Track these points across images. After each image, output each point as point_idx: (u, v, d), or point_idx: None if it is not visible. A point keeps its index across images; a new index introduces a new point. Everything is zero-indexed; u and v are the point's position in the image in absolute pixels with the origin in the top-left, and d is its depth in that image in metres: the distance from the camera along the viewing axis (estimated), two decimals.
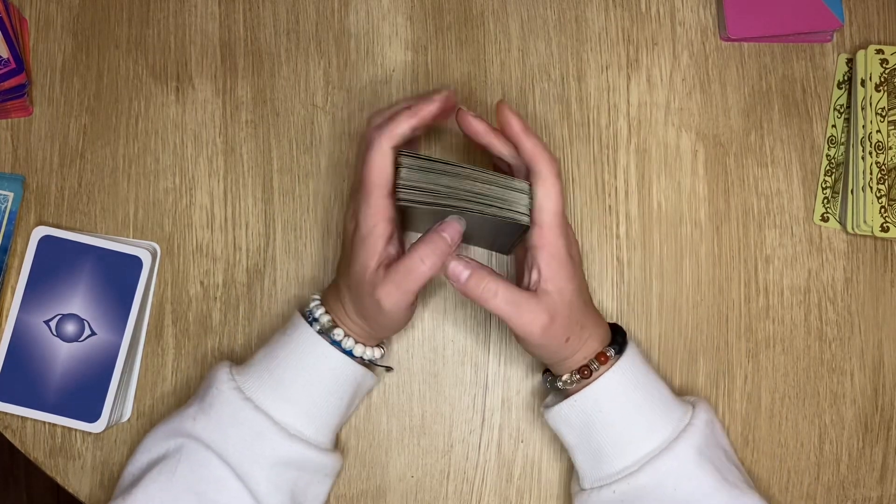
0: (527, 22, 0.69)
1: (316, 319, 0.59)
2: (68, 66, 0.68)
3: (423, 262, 0.54)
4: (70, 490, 0.66)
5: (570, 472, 0.66)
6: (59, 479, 0.66)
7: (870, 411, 0.67)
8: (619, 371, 0.58)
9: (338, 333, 0.58)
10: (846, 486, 0.67)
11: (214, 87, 0.68)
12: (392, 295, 0.55)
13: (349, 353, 0.59)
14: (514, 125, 0.56)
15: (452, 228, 0.56)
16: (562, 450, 0.66)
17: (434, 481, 0.66)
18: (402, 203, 0.54)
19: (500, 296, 0.55)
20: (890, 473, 0.67)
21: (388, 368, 0.65)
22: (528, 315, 0.55)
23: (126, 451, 0.66)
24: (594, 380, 0.58)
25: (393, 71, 0.69)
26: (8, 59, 0.63)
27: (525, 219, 0.56)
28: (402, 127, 0.55)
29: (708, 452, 0.57)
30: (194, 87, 0.68)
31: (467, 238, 0.60)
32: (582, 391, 0.58)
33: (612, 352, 0.58)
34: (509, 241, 0.61)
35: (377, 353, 0.60)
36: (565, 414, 0.59)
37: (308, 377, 0.58)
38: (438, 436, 0.66)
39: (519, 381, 0.67)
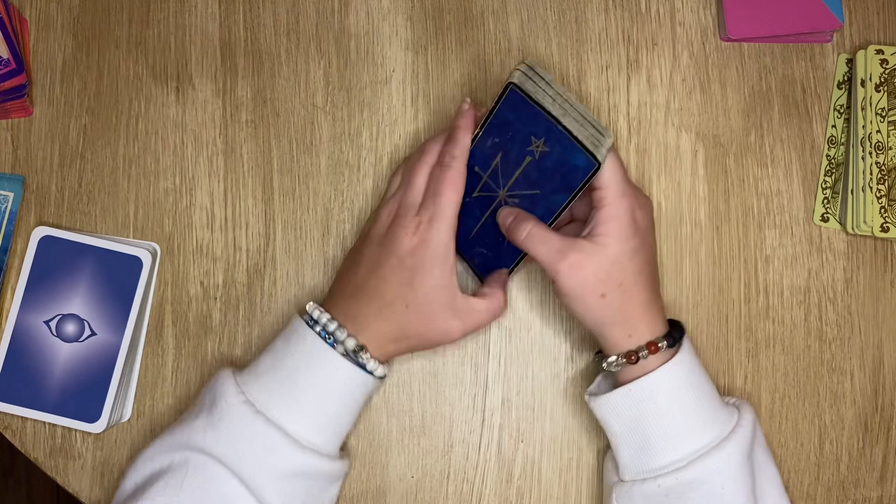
0: (527, 22, 0.69)
1: (317, 322, 0.58)
2: (68, 67, 0.68)
3: (501, 303, 0.60)
4: (70, 490, 0.66)
5: (571, 471, 0.66)
6: (59, 480, 0.66)
7: (870, 411, 0.67)
8: (676, 364, 0.57)
9: (348, 341, 0.58)
10: (846, 486, 0.67)
11: (214, 88, 0.69)
12: (470, 326, 0.59)
13: (363, 367, 0.58)
14: None
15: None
16: (562, 450, 0.66)
17: (434, 481, 0.66)
18: (514, 84, 0.57)
19: (531, 233, 0.57)
20: (890, 473, 0.67)
21: (383, 376, 0.63)
22: (557, 252, 0.57)
23: (126, 451, 0.66)
24: (649, 372, 0.57)
25: (393, 71, 0.69)
26: (8, 59, 0.63)
27: (601, 156, 0.56)
28: (467, 141, 0.60)
29: (752, 456, 0.58)
30: (194, 87, 0.68)
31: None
32: (637, 381, 0.57)
33: (664, 343, 0.58)
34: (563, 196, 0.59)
35: (385, 370, 0.60)
36: (616, 402, 0.58)
37: (320, 388, 0.57)
38: (438, 436, 0.67)
39: (519, 381, 0.67)
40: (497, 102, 0.58)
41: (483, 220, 0.62)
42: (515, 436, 0.67)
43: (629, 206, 0.57)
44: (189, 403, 0.62)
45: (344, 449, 0.62)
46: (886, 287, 0.68)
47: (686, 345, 0.59)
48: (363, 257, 0.60)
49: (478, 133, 0.60)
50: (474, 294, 0.60)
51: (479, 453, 0.66)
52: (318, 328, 0.58)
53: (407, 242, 0.58)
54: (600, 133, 0.56)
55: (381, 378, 0.60)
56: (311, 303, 0.60)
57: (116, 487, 0.65)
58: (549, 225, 0.59)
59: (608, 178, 0.57)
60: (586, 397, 0.61)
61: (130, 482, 0.58)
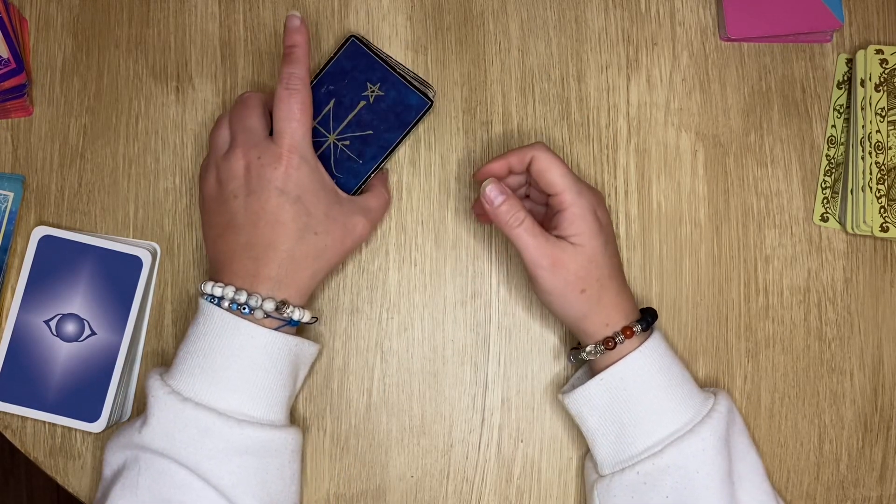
0: (527, 22, 0.69)
1: (222, 298, 0.57)
2: (68, 66, 0.68)
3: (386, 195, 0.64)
4: (70, 490, 0.66)
5: (571, 471, 0.66)
6: (59, 479, 0.66)
7: (869, 411, 0.67)
8: (645, 351, 0.58)
9: (265, 304, 0.57)
10: (846, 485, 0.67)
11: (214, 87, 0.69)
12: (374, 219, 0.62)
13: (286, 321, 0.58)
14: (494, 168, 0.62)
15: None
16: (562, 449, 0.66)
17: (434, 481, 0.66)
18: (354, 37, 0.64)
19: (524, 225, 0.58)
20: (890, 473, 0.67)
21: (314, 319, 0.61)
22: (545, 249, 0.58)
23: None
24: (620, 358, 0.58)
25: None
26: (8, 59, 0.63)
27: (431, 96, 0.64)
28: (307, 58, 0.61)
29: (729, 439, 0.58)
30: (194, 87, 0.68)
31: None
32: (608, 369, 0.58)
33: (638, 327, 0.59)
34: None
35: (306, 315, 0.59)
36: (590, 394, 0.59)
37: (241, 361, 0.57)
38: (438, 436, 0.67)
39: (519, 381, 0.67)
40: (336, 53, 0.63)
41: None
42: (515, 436, 0.67)
43: (589, 204, 0.59)
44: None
45: (297, 423, 0.61)
46: (886, 287, 0.68)
47: (657, 333, 0.60)
48: (235, 213, 0.58)
49: (312, 81, 0.62)
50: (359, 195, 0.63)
51: (479, 453, 0.66)
52: (225, 303, 0.57)
53: (281, 175, 0.57)
54: (426, 84, 0.65)
55: (309, 323, 0.59)
56: (205, 282, 0.58)
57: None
58: (381, 162, 0.63)
59: (560, 182, 0.59)
60: (560, 397, 0.62)
61: (100, 489, 0.58)
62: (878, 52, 0.67)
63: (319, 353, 0.65)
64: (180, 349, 0.59)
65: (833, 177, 0.69)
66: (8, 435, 0.66)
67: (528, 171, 0.61)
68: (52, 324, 0.64)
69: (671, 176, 0.68)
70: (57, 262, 0.64)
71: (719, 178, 0.69)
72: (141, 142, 0.68)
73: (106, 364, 0.64)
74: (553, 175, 0.59)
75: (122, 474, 0.56)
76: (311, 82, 0.61)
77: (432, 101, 0.63)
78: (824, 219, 0.68)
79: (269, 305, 0.57)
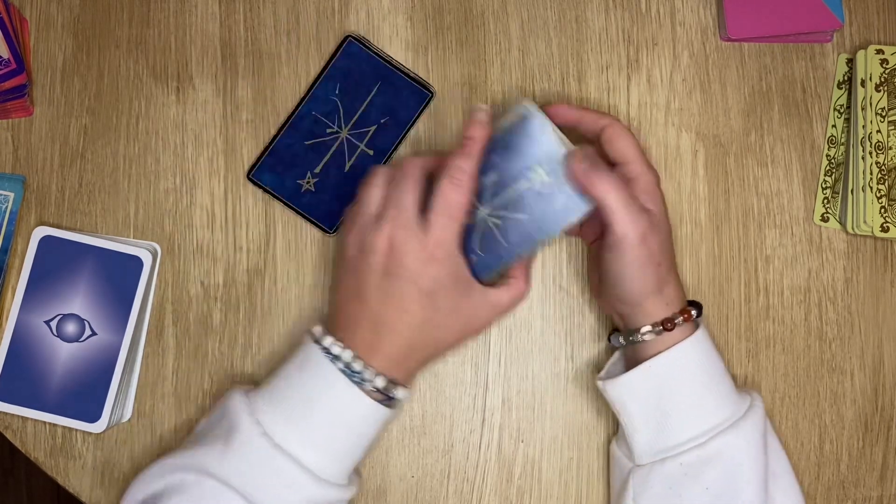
0: (527, 22, 0.69)
1: (338, 358, 0.57)
2: (69, 67, 0.68)
3: (523, 288, 0.60)
4: (70, 490, 0.66)
5: (571, 471, 0.66)
6: (59, 479, 0.66)
7: (870, 411, 0.67)
8: (695, 342, 0.58)
9: (377, 380, 0.56)
10: (846, 485, 0.67)
11: (215, 87, 0.69)
12: (495, 316, 0.59)
13: (392, 399, 0.58)
14: (567, 111, 0.61)
15: None
16: (562, 449, 0.66)
17: (434, 481, 0.66)
18: (351, 36, 0.67)
19: (616, 188, 0.56)
20: (890, 473, 0.67)
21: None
22: (637, 218, 0.56)
23: (127, 451, 0.66)
24: (665, 348, 0.58)
25: None
26: (8, 59, 0.63)
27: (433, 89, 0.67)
28: (479, 157, 0.58)
29: (767, 439, 0.59)
30: (195, 87, 0.68)
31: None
32: (658, 356, 0.58)
33: (694, 313, 0.59)
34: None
35: (406, 394, 0.59)
36: (635, 381, 0.58)
37: (339, 421, 0.56)
38: (438, 436, 0.67)
39: (519, 381, 0.67)
40: (333, 54, 0.66)
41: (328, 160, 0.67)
42: (515, 436, 0.67)
43: (657, 178, 0.59)
44: (196, 423, 0.61)
45: (355, 472, 0.61)
46: (886, 287, 0.68)
47: (703, 327, 0.60)
48: (368, 287, 0.57)
49: (315, 83, 0.67)
50: (492, 285, 0.59)
51: (480, 453, 0.66)
52: (340, 364, 0.56)
53: (420, 268, 0.56)
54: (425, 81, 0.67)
55: (402, 401, 0.59)
56: (324, 333, 0.58)
57: (117, 490, 0.65)
58: (392, 152, 0.66)
59: (633, 151, 0.59)
60: (598, 383, 0.61)
61: (139, 494, 0.56)
62: (879, 52, 0.67)
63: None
64: (278, 385, 0.58)
65: (833, 177, 0.69)
66: (8, 435, 0.66)
67: (599, 139, 0.59)
68: (53, 324, 0.64)
69: (672, 176, 0.68)
70: (57, 262, 0.64)
71: (720, 178, 0.69)
72: (141, 142, 0.68)
73: (106, 364, 0.64)
74: (625, 143, 0.59)
75: (178, 492, 0.55)
76: (314, 85, 0.63)
77: (433, 93, 0.67)
78: (825, 219, 0.68)
79: (381, 382, 0.57)
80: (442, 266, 0.56)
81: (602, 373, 0.63)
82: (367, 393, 0.56)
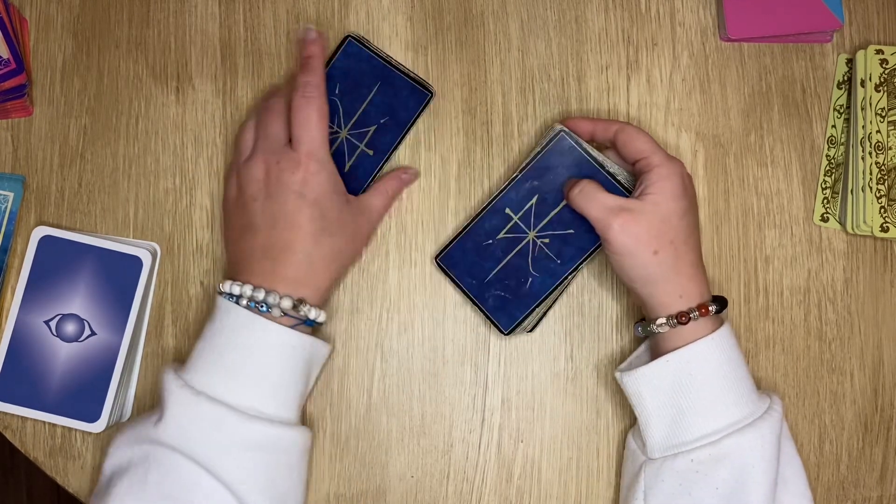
0: (527, 22, 0.69)
1: (240, 296, 0.58)
2: (68, 67, 0.68)
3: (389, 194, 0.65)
4: (70, 490, 0.66)
5: (570, 471, 0.66)
6: (59, 479, 0.66)
7: (870, 411, 0.67)
8: (717, 338, 0.58)
9: (283, 302, 0.58)
10: (846, 486, 0.67)
11: (214, 88, 0.69)
12: (376, 221, 0.64)
13: (302, 320, 0.59)
14: (580, 124, 0.64)
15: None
16: (562, 449, 0.66)
17: (434, 481, 0.66)
18: (351, 36, 0.67)
19: (584, 188, 0.60)
20: (890, 473, 0.67)
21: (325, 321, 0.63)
22: (611, 204, 0.58)
23: None
24: (687, 342, 0.58)
25: None
26: (8, 59, 0.63)
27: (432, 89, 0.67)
28: (322, 68, 0.63)
29: (782, 441, 0.59)
30: (194, 87, 0.68)
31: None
32: (675, 352, 0.58)
33: (713, 307, 0.59)
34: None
35: (322, 315, 0.60)
36: (653, 374, 0.59)
37: (256, 357, 0.57)
38: (438, 436, 0.67)
39: (519, 381, 0.67)
40: (333, 54, 0.66)
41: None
42: (515, 436, 0.67)
43: (679, 169, 0.60)
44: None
45: (306, 423, 0.62)
46: (886, 287, 0.68)
47: (727, 324, 0.60)
48: (254, 215, 0.60)
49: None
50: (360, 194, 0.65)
51: (479, 453, 0.66)
52: (244, 301, 0.58)
53: (299, 180, 0.59)
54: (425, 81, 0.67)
55: (320, 324, 0.60)
56: (224, 281, 0.60)
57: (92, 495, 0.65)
58: (391, 152, 0.66)
59: (648, 147, 0.60)
60: (617, 375, 0.61)
61: (100, 483, 0.58)
62: (879, 52, 0.67)
63: (331, 354, 0.65)
64: (196, 345, 0.59)
65: (833, 177, 0.69)
66: (8, 435, 0.66)
67: (613, 144, 0.62)
68: (53, 324, 0.64)
69: None
70: (57, 262, 0.64)
71: (719, 178, 0.69)
72: (141, 142, 0.68)
73: (106, 364, 0.64)
74: (640, 142, 0.60)
75: (128, 471, 0.56)
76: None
77: (433, 93, 0.66)
78: (824, 219, 0.68)
79: (287, 303, 0.58)
80: (318, 174, 0.59)
81: (623, 365, 0.63)
82: (278, 320, 0.58)
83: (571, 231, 0.63)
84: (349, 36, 0.66)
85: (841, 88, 0.69)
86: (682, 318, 0.58)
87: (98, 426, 0.63)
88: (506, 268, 0.64)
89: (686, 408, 0.58)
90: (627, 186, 0.62)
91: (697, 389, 0.58)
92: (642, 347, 0.64)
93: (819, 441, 0.67)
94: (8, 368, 0.63)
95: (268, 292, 0.58)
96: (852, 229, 0.66)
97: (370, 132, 0.66)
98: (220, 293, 0.59)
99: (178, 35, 0.69)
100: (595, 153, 0.63)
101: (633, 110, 0.69)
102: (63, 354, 0.64)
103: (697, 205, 0.62)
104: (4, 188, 0.67)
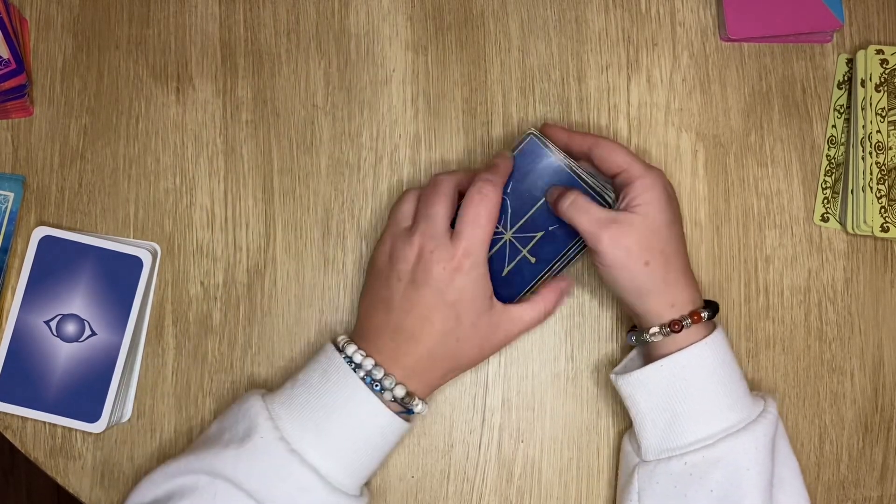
0: (527, 22, 0.69)
1: (360, 366, 0.57)
2: (69, 67, 0.68)
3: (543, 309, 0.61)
4: (70, 490, 0.66)
5: (571, 471, 0.66)
6: (59, 479, 0.66)
7: (870, 411, 0.67)
8: (710, 343, 0.58)
9: (399, 391, 0.57)
10: (846, 486, 0.67)
11: (215, 88, 0.69)
12: (514, 334, 0.60)
13: (410, 411, 0.58)
14: (556, 132, 0.63)
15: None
16: (562, 449, 0.66)
17: (434, 481, 0.66)
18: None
19: (575, 201, 0.59)
20: (890, 473, 0.67)
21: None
22: (602, 218, 0.58)
23: (127, 451, 0.66)
24: (681, 347, 0.58)
25: (393, 71, 0.69)
26: (8, 59, 0.63)
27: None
28: (508, 171, 0.61)
29: (777, 443, 0.59)
30: (194, 87, 0.68)
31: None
32: (670, 357, 0.58)
33: (706, 314, 0.59)
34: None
35: (424, 408, 0.59)
36: (647, 378, 0.58)
37: (357, 432, 0.57)
38: (438, 436, 0.67)
39: (519, 381, 0.67)
40: (515, 147, 0.62)
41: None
42: (515, 436, 0.67)
43: (659, 179, 0.59)
44: (211, 423, 0.60)
45: (366, 484, 0.61)
46: (886, 287, 0.68)
47: (720, 328, 0.60)
48: (395, 294, 0.58)
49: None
50: (516, 302, 0.61)
51: (480, 453, 0.66)
52: (361, 372, 0.57)
53: (445, 277, 0.57)
54: (606, 188, 0.62)
55: (420, 414, 0.60)
56: (348, 342, 0.59)
57: (117, 490, 0.65)
58: (553, 264, 0.62)
59: (626, 159, 0.59)
60: (612, 377, 0.61)
61: (148, 494, 0.56)
62: (879, 52, 0.67)
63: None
64: (298, 391, 0.58)
65: (833, 177, 0.69)
66: (8, 435, 0.66)
67: (589, 159, 0.61)
68: (53, 324, 0.64)
69: (671, 176, 0.68)
70: (57, 262, 0.64)
71: (719, 178, 0.69)
72: (141, 142, 0.68)
73: (106, 364, 0.64)
74: (617, 156, 0.59)
75: (190, 495, 0.55)
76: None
77: (611, 204, 0.61)
78: (825, 219, 0.68)
79: (400, 392, 0.57)
80: (468, 276, 0.57)
81: (618, 367, 0.63)
82: (387, 404, 0.57)
83: (543, 233, 0.62)
84: (531, 133, 0.62)
85: (841, 88, 0.69)
86: (674, 327, 0.58)
87: (98, 426, 0.63)
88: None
89: (680, 412, 0.58)
90: (601, 193, 0.61)
91: (692, 394, 0.58)
92: (636, 350, 0.64)
93: (819, 441, 0.67)
94: (8, 368, 0.63)
95: (386, 374, 0.57)
96: (852, 229, 0.66)
97: (536, 238, 0.62)
98: (339, 350, 0.58)
99: (178, 35, 0.69)
100: (567, 160, 0.61)
101: (633, 110, 0.69)
102: (63, 354, 0.64)
103: (680, 213, 0.62)
104: (4, 188, 0.67)
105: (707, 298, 0.62)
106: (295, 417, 0.57)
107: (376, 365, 0.57)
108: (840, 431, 0.67)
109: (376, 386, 0.57)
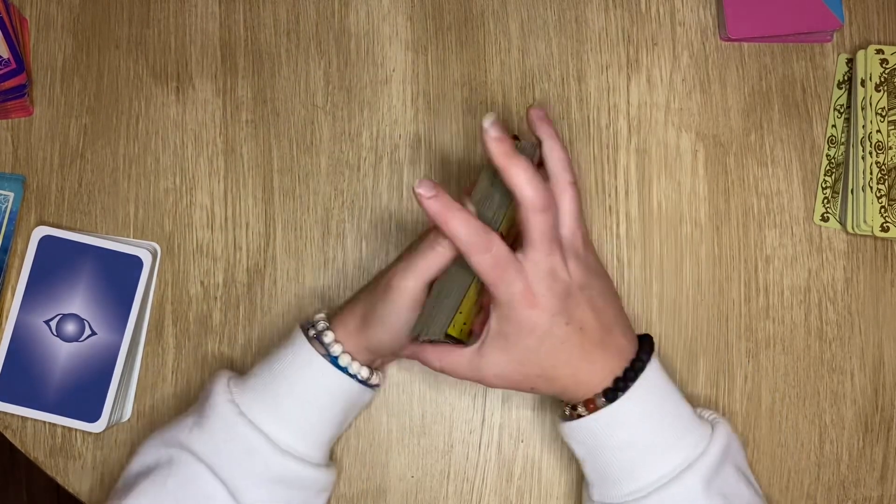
0: (527, 22, 0.69)
1: (316, 329, 0.58)
2: (69, 66, 0.68)
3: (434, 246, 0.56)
4: (70, 490, 0.66)
5: (571, 471, 0.66)
6: (59, 479, 0.66)
7: (870, 411, 0.67)
8: (634, 397, 0.55)
9: (335, 348, 0.58)
10: (846, 485, 0.67)
11: (215, 87, 0.69)
12: (404, 277, 0.55)
13: (345, 371, 0.58)
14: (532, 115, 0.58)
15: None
16: (562, 449, 0.66)
17: (434, 481, 0.66)
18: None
19: (429, 353, 0.58)
20: (890, 473, 0.67)
21: (376, 386, 0.62)
22: (467, 372, 0.57)
23: (127, 451, 0.66)
24: (602, 407, 0.55)
25: (393, 71, 0.69)
26: (8, 59, 0.63)
27: None
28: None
29: (717, 482, 0.55)
30: (194, 87, 0.68)
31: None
32: (591, 416, 0.55)
33: (602, 401, 0.55)
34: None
35: (375, 377, 0.60)
36: (575, 431, 0.57)
37: (303, 394, 0.57)
38: (438, 436, 0.67)
39: None
40: None
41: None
42: (515, 436, 0.67)
43: (526, 283, 0.53)
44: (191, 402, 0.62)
45: (338, 455, 0.61)
46: (886, 287, 0.68)
47: (649, 371, 0.56)
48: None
49: None
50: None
51: (479, 453, 0.66)
52: (311, 332, 0.58)
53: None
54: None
55: (374, 387, 0.60)
56: (321, 312, 0.60)
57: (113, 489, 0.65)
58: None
59: (526, 197, 0.54)
60: (556, 418, 0.60)
61: (129, 474, 0.58)
62: (879, 51, 0.67)
63: (372, 399, 0.65)
64: (257, 363, 0.60)
65: (833, 177, 0.69)
66: (8, 435, 0.66)
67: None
68: (53, 324, 0.64)
69: (671, 176, 0.68)
70: (57, 262, 0.64)
71: (719, 177, 0.69)
72: (141, 142, 0.68)
73: (106, 364, 0.64)
74: (527, 184, 0.53)
75: (152, 473, 0.56)
76: None
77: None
78: (825, 219, 0.68)
79: (326, 331, 0.58)
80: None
81: (560, 410, 0.60)
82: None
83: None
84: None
85: (841, 88, 0.69)
86: (572, 415, 0.56)
87: (98, 426, 0.63)
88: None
89: (610, 468, 0.56)
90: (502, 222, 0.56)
91: (621, 449, 0.55)
92: None
93: (819, 441, 0.67)
94: (8, 368, 0.63)
95: (332, 338, 0.58)
96: (852, 229, 0.66)
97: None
98: (306, 322, 0.60)
99: (178, 35, 0.69)
100: (490, 185, 0.57)
101: (633, 110, 0.69)
102: (63, 354, 0.64)
103: (571, 289, 0.54)
104: (4, 188, 0.67)
105: (641, 334, 0.59)
106: (248, 384, 0.58)
107: (327, 327, 0.58)
108: (840, 431, 0.67)
109: (311, 331, 0.58)
